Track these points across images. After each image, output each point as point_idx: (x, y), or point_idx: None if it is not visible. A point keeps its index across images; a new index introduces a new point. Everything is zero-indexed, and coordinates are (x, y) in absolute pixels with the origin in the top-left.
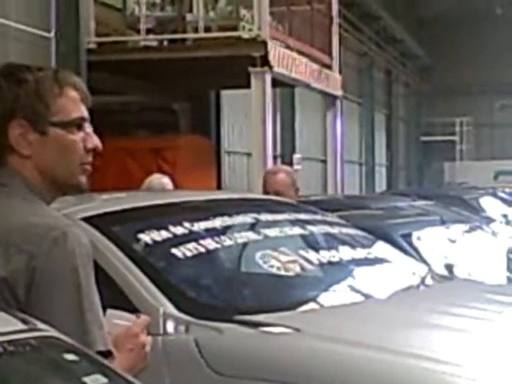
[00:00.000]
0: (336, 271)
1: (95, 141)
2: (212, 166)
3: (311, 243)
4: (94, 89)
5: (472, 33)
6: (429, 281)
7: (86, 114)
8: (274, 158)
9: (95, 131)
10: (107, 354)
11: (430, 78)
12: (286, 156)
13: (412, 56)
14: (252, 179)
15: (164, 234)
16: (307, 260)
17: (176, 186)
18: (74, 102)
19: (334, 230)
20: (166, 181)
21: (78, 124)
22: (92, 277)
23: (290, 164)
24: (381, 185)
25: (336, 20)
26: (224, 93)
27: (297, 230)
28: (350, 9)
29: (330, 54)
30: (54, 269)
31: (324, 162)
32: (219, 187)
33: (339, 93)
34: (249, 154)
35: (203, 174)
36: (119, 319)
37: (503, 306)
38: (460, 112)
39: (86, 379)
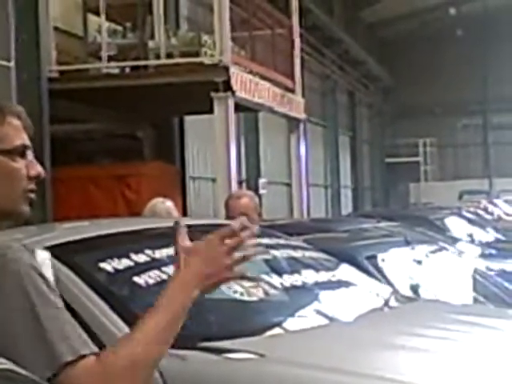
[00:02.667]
0: (300, 295)
1: (38, 168)
2: (177, 192)
3: (274, 267)
4: (57, 117)
5: (433, 54)
6: (393, 302)
7: (28, 142)
8: (240, 182)
9: (58, 159)
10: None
11: (393, 100)
12: (251, 180)
13: (374, 78)
14: (217, 204)
15: (126, 263)
16: (270, 284)
17: (140, 214)
18: (16, 130)
19: (298, 254)
20: (170, 205)
21: (20, 152)
22: (47, 291)
23: (256, 188)
24: (347, 207)
25: (298, 44)
26: (187, 118)
27: (260, 255)
28: (311, 32)
29: (292, 78)
30: (4, 290)
31: (289, 185)
32: (185, 213)
33: (302, 116)
34: (214, 180)
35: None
36: None
37: (469, 326)
38: (423, 133)
39: None
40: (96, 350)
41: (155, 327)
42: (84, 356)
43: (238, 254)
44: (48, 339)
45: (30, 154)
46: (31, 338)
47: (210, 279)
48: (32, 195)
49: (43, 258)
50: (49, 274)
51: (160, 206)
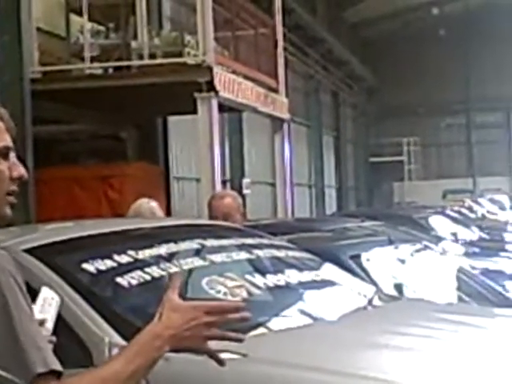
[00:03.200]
0: (284, 295)
1: (21, 170)
2: (161, 193)
3: (258, 267)
4: (40, 118)
5: (416, 54)
6: (377, 301)
7: (10, 143)
8: (223, 182)
9: (41, 160)
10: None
11: (377, 99)
12: (235, 180)
13: (358, 78)
14: (201, 204)
15: (108, 263)
16: (254, 284)
17: (123, 214)
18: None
19: (281, 254)
20: (155, 205)
21: (3, 153)
22: (22, 300)
23: (240, 188)
24: (331, 206)
25: (281, 44)
26: (171, 119)
27: (243, 255)
28: (295, 32)
29: (276, 78)
30: None
31: (273, 185)
32: (169, 213)
33: (286, 116)
34: (198, 180)
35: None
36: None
37: (453, 324)
38: (407, 132)
39: None
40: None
41: (118, 374)
42: (54, 372)
43: (217, 332)
44: (20, 342)
45: (12, 156)
46: (5, 344)
47: (182, 342)
48: (12, 198)
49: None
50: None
51: (145, 206)
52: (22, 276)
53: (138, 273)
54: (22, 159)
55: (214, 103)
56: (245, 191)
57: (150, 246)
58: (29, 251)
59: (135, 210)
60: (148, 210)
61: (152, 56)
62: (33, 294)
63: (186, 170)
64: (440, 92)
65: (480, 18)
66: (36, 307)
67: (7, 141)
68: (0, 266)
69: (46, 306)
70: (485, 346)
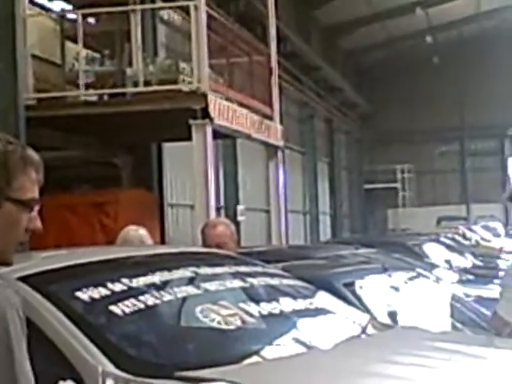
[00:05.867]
0: (278, 323)
1: (38, 224)
2: (155, 219)
3: (252, 295)
4: (34, 145)
5: (410, 81)
6: (370, 330)
7: (38, 196)
8: (218, 209)
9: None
10: None
11: (371, 126)
12: (229, 207)
13: (352, 104)
14: (196, 231)
15: (102, 291)
16: (248, 313)
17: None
18: (32, 183)
19: (275, 282)
20: (144, 233)
21: (30, 206)
22: (23, 340)
23: (234, 215)
24: (325, 233)
25: (276, 71)
26: (166, 145)
27: (237, 283)
28: (289, 60)
29: (270, 105)
30: None
31: (268, 212)
32: (163, 240)
33: (281, 143)
34: (192, 206)
35: (146, 227)
36: None
37: (447, 353)
38: (401, 159)
39: None
40: None
41: None
42: None
43: None
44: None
45: (35, 209)
46: (4, 372)
47: None
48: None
49: None
50: None
51: (132, 233)
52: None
53: (132, 301)
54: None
55: (209, 130)
56: (239, 218)
57: (144, 274)
58: (22, 279)
59: (123, 238)
60: (136, 238)
61: (147, 83)
62: (25, 322)
63: (180, 197)
64: (434, 119)
65: (474, 46)
66: None
67: (36, 193)
68: (7, 300)
69: None
70: (479, 375)
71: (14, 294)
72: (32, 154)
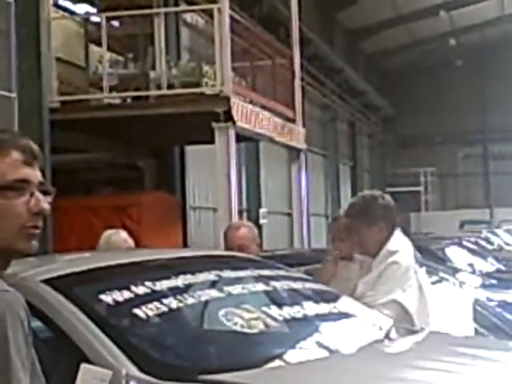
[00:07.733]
0: (300, 327)
1: (41, 204)
2: (178, 222)
3: (275, 299)
4: (58, 147)
5: (433, 84)
6: (394, 334)
7: (30, 176)
8: (240, 212)
9: (59, 190)
10: None
11: (393, 129)
12: (251, 210)
13: (374, 107)
14: (218, 234)
15: (126, 294)
16: (271, 316)
17: (140, 244)
18: (11, 166)
19: (298, 285)
20: (125, 235)
21: (16, 188)
22: (22, 348)
23: (256, 218)
24: None
25: (298, 74)
26: (188, 148)
27: (260, 287)
28: (312, 62)
29: (293, 108)
30: None
31: (290, 215)
32: (185, 243)
33: (303, 146)
34: (215, 209)
35: (169, 230)
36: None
37: (471, 358)
38: (424, 162)
39: None
40: None
41: None
42: None
43: None
44: None
45: (33, 189)
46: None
47: None
48: (34, 231)
49: None
50: None
51: (115, 237)
52: (28, 316)
53: (156, 304)
54: (47, 192)
55: (232, 133)
56: (261, 221)
57: (168, 278)
58: (47, 282)
59: (107, 242)
60: (121, 241)
61: (170, 86)
62: (49, 324)
63: (202, 200)
64: (457, 122)
65: (496, 48)
66: None
67: (23, 174)
68: (9, 307)
69: None
70: (503, 380)
71: (17, 299)
72: (12, 137)
